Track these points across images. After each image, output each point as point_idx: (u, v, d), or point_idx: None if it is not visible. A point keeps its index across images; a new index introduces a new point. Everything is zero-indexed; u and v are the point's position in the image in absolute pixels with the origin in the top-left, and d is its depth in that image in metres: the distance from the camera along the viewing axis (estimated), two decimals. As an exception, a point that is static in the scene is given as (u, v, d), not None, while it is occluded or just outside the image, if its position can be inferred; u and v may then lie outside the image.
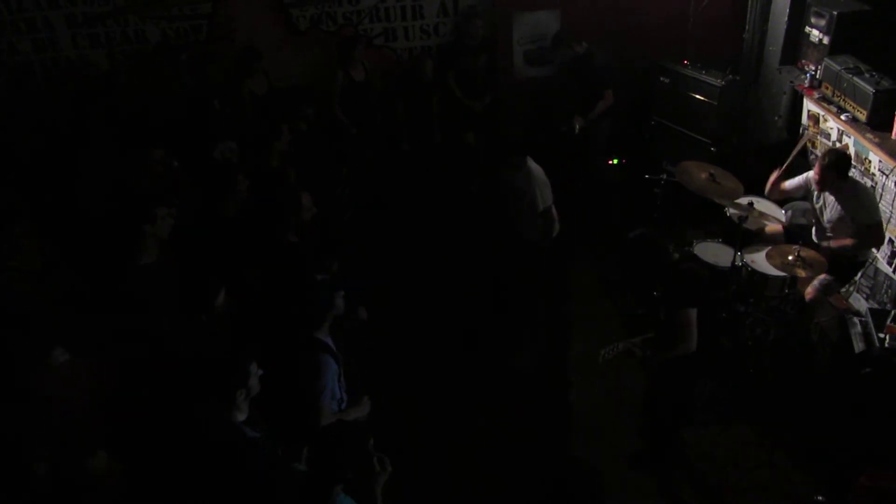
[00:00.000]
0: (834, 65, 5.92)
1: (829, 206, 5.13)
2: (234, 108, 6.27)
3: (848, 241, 5.06)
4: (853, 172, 5.70)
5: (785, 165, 5.42)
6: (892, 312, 5.01)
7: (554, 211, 5.61)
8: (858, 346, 4.96)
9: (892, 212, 5.38)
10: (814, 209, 5.32)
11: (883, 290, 5.61)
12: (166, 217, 4.31)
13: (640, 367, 5.40)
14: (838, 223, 5.11)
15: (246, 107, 6.37)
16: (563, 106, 7.05)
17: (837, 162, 4.96)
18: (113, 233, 4.51)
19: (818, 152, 6.17)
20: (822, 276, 5.21)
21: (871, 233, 5.03)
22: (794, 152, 5.50)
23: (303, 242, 4.71)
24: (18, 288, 4.32)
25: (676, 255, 4.38)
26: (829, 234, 5.20)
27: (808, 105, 6.36)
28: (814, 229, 5.37)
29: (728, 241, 5.50)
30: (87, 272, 4.52)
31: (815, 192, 5.22)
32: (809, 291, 5.35)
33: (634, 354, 4.41)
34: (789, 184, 5.42)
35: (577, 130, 6.81)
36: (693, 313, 4.19)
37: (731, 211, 5.31)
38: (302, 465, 3.45)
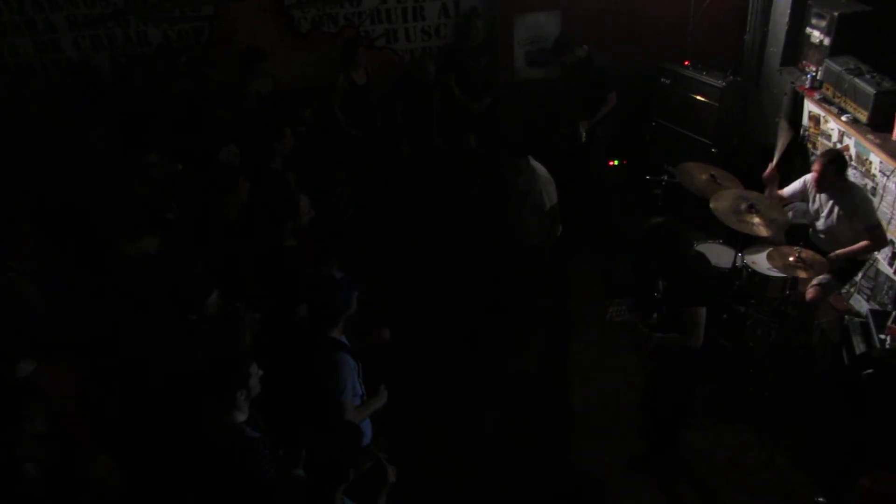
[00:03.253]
0: (835, 66, 5.92)
1: (827, 208, 5.13)
2: (238, 111, 6.27)
3: (860, 245, 5.06)
4: (853, 173, 5.71)
5: (776, 161, 5.44)
6: (893, 314, 5.01)
7: (558, 211, 5.60)
8: (859, 347, 4.96)
9: (892, 213, 5.38)
10: (811, 212, 5.32)
11: (884, 292, 5.60)
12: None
13: (639, 367, 5.42)
14: (836, 226, 5.11)
15: (251, 108, 6.37)
16: (566, 110, 7.05)
17: (836, 159, 5.00)
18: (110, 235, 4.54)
19: (819, 153, 6.16)
20: (823, 277, 5.21)
21: (876, 234, 5.02)
22: (780, 148, 5.51)
23: (301, 245, 4.71)
24: (16, 288, 4.32)
25: (692, 252, 4.38)
26: (824, 236, 5.20)
27: (809, 106, 6.35)
28: (811, 232, 5.37)
29: (729, 242, 5.51)
30: (84, 273, 4.53)
31: (812, 195, 5.23)
32: (810, 292, 5.35)
33: (640, 331, 4.39)
34: (788, 190, 5.42)
35: (583, 137, 6.79)
36: (702, 311, 4.20)
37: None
38: (300, 471, 3.44)
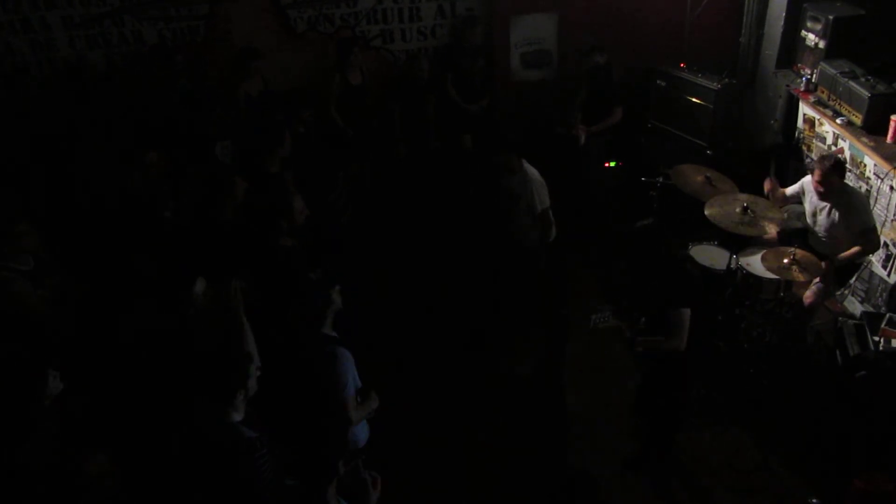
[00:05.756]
0: (829, 69, 5.94)
1: (824, 210, 5.15)
2: (230, 111, 6.26)
3: (855, 250, 5.07)
4: (848, 176, 5.72)
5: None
6: (887, 316, 5.03)
7: (551, 214, 5.61)
8: (853, 349, 4.98)
9: (886, 215, 5.40)
10: (807, 214, 5.34)
11: (878, 294, 5.63)
12: None
13: (636, 369, 5.42)
14: (834, 229, 5.12)
15: (241, 109, 6.36)
16: (567, 113, 7.05)
17: (837, 167, 5.00)
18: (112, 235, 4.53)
19: (814, 156, 6.18)
20: (820, 280, 5.22)
21: (870, 238, 5.04)
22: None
23: (296, 246, 4.71)
24: (10, 288, 4.30)
25: (677, 255, 4.41)
26: (823, 238, 5.22)
27: (804, 109, 6.38)
28: (809, 234, 5.38)
29: (724, 244, 5.52)
30: (81, 272, 4.53)
31: (810, 197, 5.24)
32: (808, 296, 5.35)
33: (624, 333, 4.42)
34: (789, 190, 5.43)
35: (581, 141, 6.81)
36: (686, 313, 4.22)
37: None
38: (290, 480, 3.44)
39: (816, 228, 5.27)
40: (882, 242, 5.39)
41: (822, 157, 5.22)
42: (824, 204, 5.14)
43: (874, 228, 5.06)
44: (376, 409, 4.02)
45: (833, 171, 5.00)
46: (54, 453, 3.23)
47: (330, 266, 4.62)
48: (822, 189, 5.06)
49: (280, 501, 3.33)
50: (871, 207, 5.42)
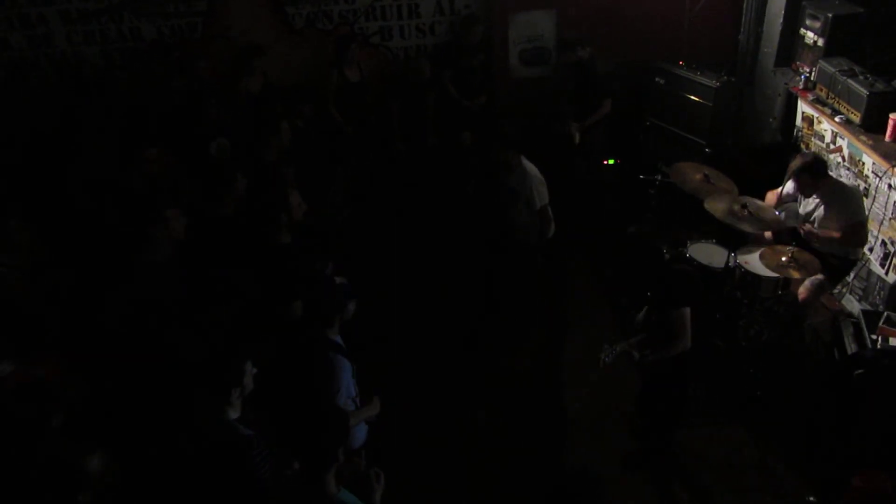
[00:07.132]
0: (828, 67, 5.94)
1: (816, 208, 5.16)
2: (229, 108, 6.24)
3: (834, 235, 5.09)
4: (846, 174, 5.73)
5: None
6: (885, 314, 5.04)
7: (550, 211, 5.61)
8: (851, 347, 4.99)
9: (884, 214, 5.40)
10: (802, 213, 5.35)
11: (875, 292, 5.63)
12: (178, 218, 4.35)
13: (634, 367, 5.43)
14: (824, 223, 5.13)
15: (241, 106, 6.34)
16: (559, 109, 7.04)
17: (807, 167, 5.01)
18: (110, 231, 4.51)
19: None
20: (815, 277, 5.23)
21: (855, 231, 5.04)
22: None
23: (295, 242, 4.70)
24: (7, 285, 4.29)
25: (668, 256, 4.42)
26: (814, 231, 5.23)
27: (803, 107, 6.38)
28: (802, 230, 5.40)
29: (722, 242, 5.52)
30: (81, 270, 4.51)
31: (800, 195, 5.26)
32: (802, 292, 5.37)
33: (632, 357, 4.43)
34: (785, 191, 5.44)
35: (576, 139, 6.80)
36: (686, 312, 4.24)
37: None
38: (296, 464, 3.43)
39: (809, 224, 5.27)
40: (881, 241, 5.40)
41: (794, 160, 5.18)
42: (815, 200, 5.15)
43: (862, 224, 5.07)
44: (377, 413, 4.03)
45: (802, 171, 5.02)
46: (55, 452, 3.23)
47: (332, 266, 4.61)
48: (797, 187, 5.09)
49: (280, 496, 3.33)
50: (870, 206, 5.43)
